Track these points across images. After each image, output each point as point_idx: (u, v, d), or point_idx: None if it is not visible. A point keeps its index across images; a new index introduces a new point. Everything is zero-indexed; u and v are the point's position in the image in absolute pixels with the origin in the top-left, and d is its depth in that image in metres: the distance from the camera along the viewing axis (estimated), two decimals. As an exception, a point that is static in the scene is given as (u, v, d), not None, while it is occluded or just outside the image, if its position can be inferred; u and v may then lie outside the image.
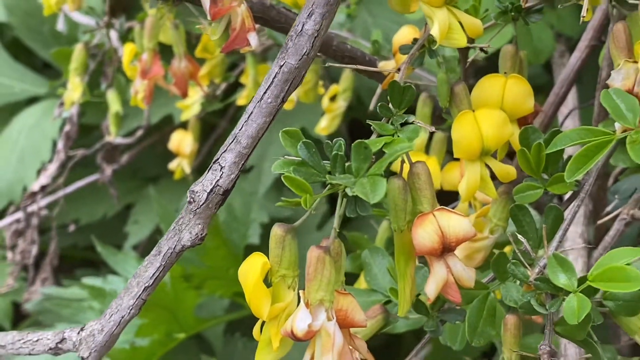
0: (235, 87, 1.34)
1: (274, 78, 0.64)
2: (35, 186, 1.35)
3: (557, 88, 1.03)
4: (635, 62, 0.67)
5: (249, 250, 1.34)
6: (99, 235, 1.52)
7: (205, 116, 1.32)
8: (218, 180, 0.64)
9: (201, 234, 0.66)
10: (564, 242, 0.98)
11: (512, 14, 0.79)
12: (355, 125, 1.47)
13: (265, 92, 0.64)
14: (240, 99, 1.30)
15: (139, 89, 1.01)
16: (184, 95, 1.08)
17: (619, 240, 0.95)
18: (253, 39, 0.75)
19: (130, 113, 1.39)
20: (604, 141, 0.64)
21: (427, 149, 0.96)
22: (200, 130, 1.37)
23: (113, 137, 1.30)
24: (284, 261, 0.60)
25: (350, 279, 0.98)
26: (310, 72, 1.08)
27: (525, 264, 0.68)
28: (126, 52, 1.07)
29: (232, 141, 0.65)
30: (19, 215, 1.40)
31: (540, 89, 1.39)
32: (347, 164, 0.57)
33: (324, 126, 1.22)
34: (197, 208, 0.65)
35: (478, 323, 0.72)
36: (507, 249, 0.84)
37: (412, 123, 0.63)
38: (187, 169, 1.25)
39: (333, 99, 1.22)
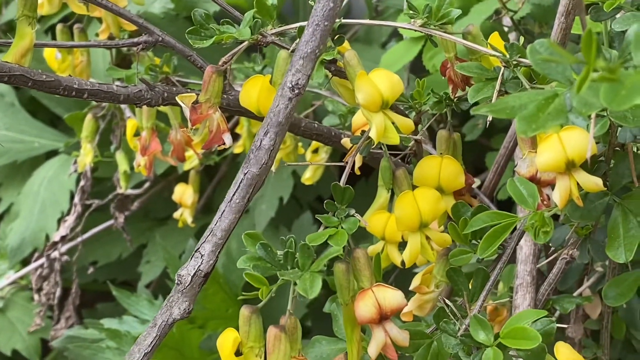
0: (232, 137, 1.49)
1: (240, 183, 0.79)
2: (56, 237, 1.51)
3: (506, 142, 1.18)
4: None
5: (247, 286, 1.50)
6: (116, 272, 1.69)
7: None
8: (200, 265, 0.79)
9: (188, 309, 0.81)
10: (515, 279, 1.13)
11: (447, 101, 0.94)
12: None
13: (234, 194, 0.79)
14: (237, 147, 1.46)
15: (140, 162, 1.16)
16: (182, 160, 1.24)
17: (563, 276, 1.09)
18: (227, 139, 0.90)
19: (138, 165, 1.55)
20: (508, 223, 0.78)
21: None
22: (204, 173, 1.53)
23: (124, 190, 1.46)
24: (251, 336, 0.75)
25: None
26: (289, 138, 1.22)
27: (455, 321, 0.83)
28: (128, 127, 1.22)
29: (209, 234, 0.80)
30: (43, 261, 1.56)
31: (506, 129, 1.54)
32: (296, 259, 0.72)
33: (308, 177, 1.37)
34: (184, 289, 0.80)
35: (423, 368, 0.87)
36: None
37: (353, 216, 0.78)
38: (189, 219, 1.41)
39: (315, 151, 1.37)
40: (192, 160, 1.44)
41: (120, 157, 1.39)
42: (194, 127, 0.89)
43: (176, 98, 0.89)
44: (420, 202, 0.87)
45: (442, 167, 0.91)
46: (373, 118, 0.83)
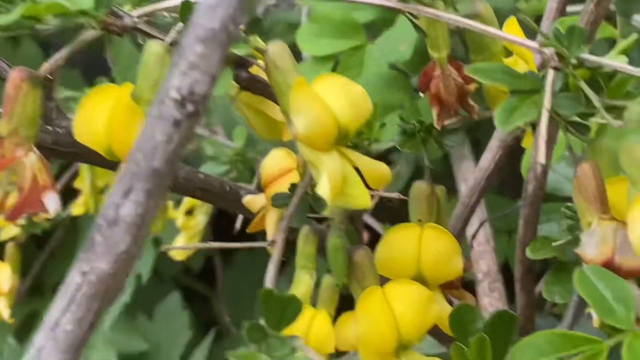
0: (69, 193, 1.10)
1: (75, 292, 0.40)
2: None
3: (465, 198, 0.82)
4: (613, 219, 0.46)
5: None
6: None
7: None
8: None
9: None
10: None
11: (421, 135, 0.58)
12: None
13: (62, 315, 0.40)
14: (76, 207, 1.09)
15: None
16: None
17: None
18: (51, 202, 0.51)
19: None
20: (592, 354, 0.42)
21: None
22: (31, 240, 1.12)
23: None
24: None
25: None
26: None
27: None
28: None
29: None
30: None
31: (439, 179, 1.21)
32: None
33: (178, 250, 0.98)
34: None
35: None
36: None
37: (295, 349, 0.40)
38: (5, 312, 0.98)
39: (190, 212, 0.99)
40: (9, 229, 1.04)
41: None
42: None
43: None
44: (397, 308, 0.50)
45: (422, 243, 0.54)
46: (323, 161, 0.46)
